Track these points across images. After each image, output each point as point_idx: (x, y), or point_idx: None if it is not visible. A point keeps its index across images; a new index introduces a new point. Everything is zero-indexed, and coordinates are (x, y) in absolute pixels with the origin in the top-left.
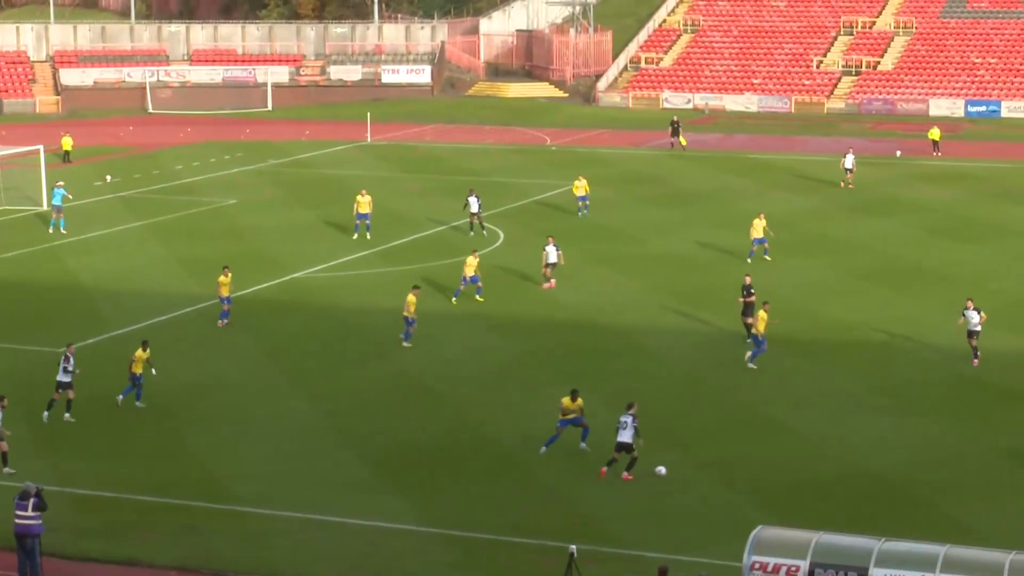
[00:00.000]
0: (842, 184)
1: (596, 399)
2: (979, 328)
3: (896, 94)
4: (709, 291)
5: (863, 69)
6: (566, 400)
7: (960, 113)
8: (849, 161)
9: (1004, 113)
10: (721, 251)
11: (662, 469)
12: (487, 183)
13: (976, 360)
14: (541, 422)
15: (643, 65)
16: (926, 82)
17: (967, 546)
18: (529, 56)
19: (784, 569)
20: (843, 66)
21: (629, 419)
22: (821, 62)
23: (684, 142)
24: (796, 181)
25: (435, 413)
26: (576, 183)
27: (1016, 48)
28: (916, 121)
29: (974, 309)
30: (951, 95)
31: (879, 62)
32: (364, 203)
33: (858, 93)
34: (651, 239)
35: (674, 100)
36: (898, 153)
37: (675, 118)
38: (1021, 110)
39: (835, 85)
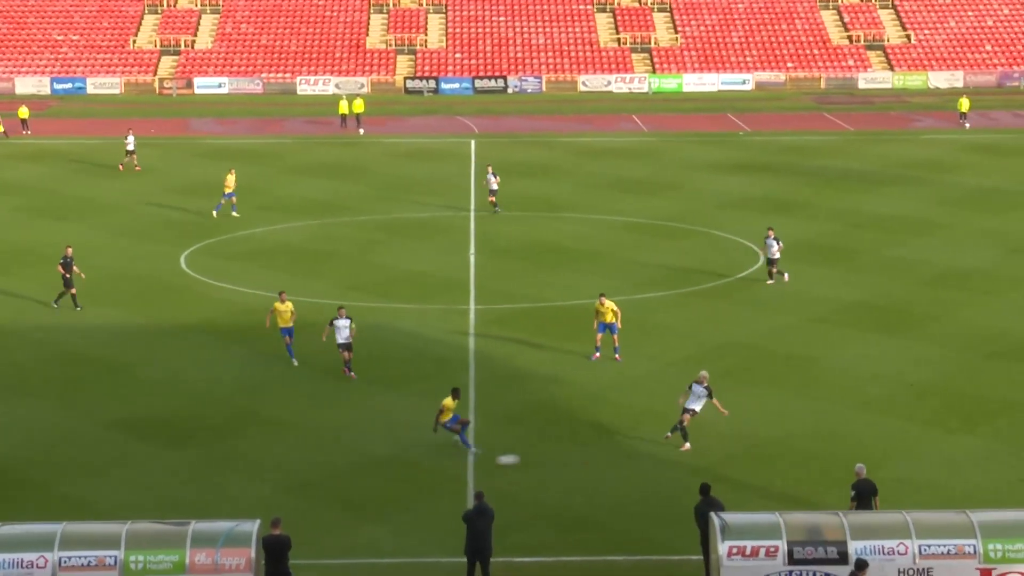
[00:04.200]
0: (123, 167)
1: None
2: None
3: None
4: None
5: None
6: None
7: (47, 90)
8: (130, 143)
9: (90, 89)
10: None
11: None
12: None
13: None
14: None
15: None
16: (10, 60)
17: (85, 521)
18: None
19: None
20: None
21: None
22: None
23: None
24: None
25: None
26: None
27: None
28: (3, 100)
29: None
30: (37, 72)
31: None
32: None
33: None
34: None
35: None
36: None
37: None
38: (106, 86)
39: None
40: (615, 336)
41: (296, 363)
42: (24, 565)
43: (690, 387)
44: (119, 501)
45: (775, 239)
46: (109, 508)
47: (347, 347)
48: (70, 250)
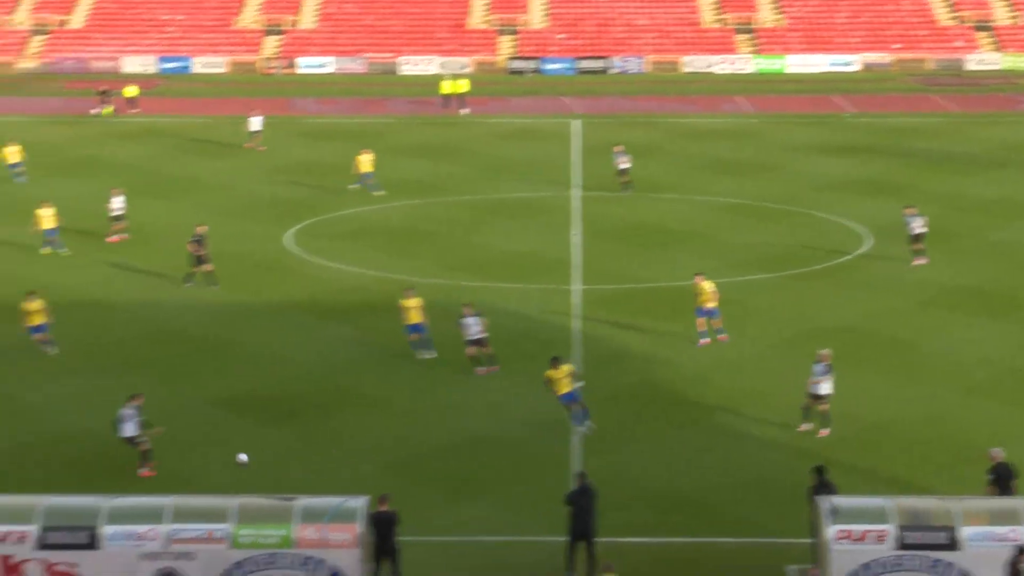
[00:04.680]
0: (250, 146)
1: None
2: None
3: (88, 52)
4: None
5: (53, 27)
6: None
7: (153, 69)
8: (255, 123)
9: (195, 69)
10: None
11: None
12: None
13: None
14: None
15: None
16: (118, 39)
17: (193, 495)
18: None
19: (13, 536)
20: (33, 25)
21: (130, 411)
22: (9, 21)
23: (107, 111)
24: None
25: None
26: (6, 149)
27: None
28: (111, 78)
29: (915, 215)
30: (143, 52)
31: (69, 20)
32: None
33: (50, 52)
34: None
35: None
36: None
37: (103, 87)
38: (211, 65)
39: (25, 44)
40: (715, 320)
41: (426, 356)
42: (136, 537)
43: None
44: (223, 477)
45: (916, 215)
46: (213, 483)
47: (478, 343)
48: (202, 228)
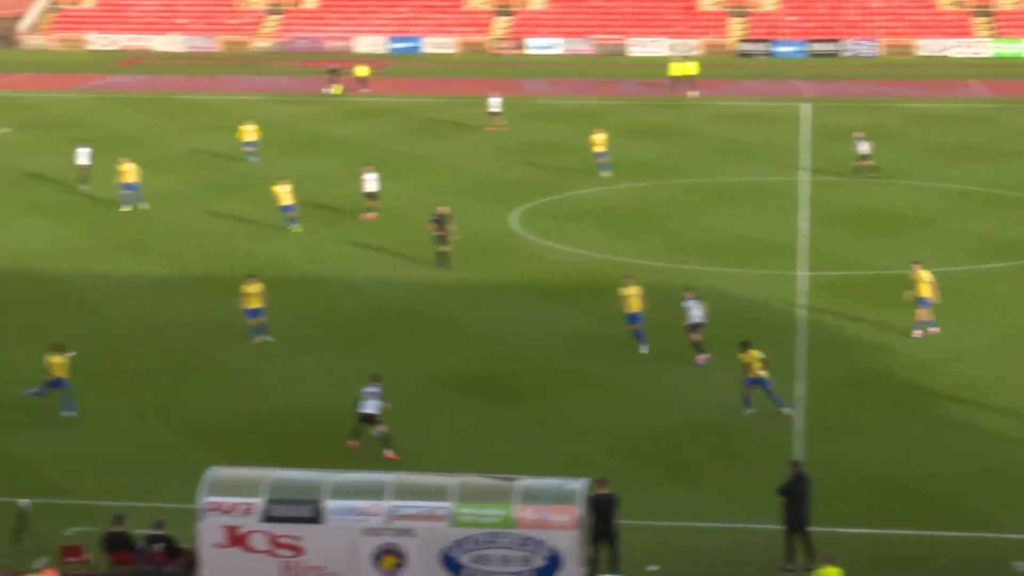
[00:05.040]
0: (492, 129)
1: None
2: None
3: (321, 32)
4: (143, 236)
5: (287, 7)
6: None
7: (384, 50)
8: (494, 104)
9: (425, 49)
10: (157, 193)
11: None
12: None
13: None
14: None
15: (65, 6)
16: (350, 19)
17: (415, 472)
18: None
19: (240, 508)
20: (268, 4)
21: (375, 389)
22: (245, 1)
23: (337, 91)
24: (226, 120)
25: None
26: (243, 128)
27: None
28: (342, 58)
29: None
30: (374, 32)
31: (302, 0)
32: None
33: (284, 31)
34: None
35: (99, 42)
36: (325, 90)
37: (333, 66)
38: (440, 46)
39: (260, 23)
40: (924, 310)
41: (645, 350)
42: (359, 512)
43: None
44: (444, 455)
45: None
46: (435, 461)
47: (696, 327)
48: (442, 208)
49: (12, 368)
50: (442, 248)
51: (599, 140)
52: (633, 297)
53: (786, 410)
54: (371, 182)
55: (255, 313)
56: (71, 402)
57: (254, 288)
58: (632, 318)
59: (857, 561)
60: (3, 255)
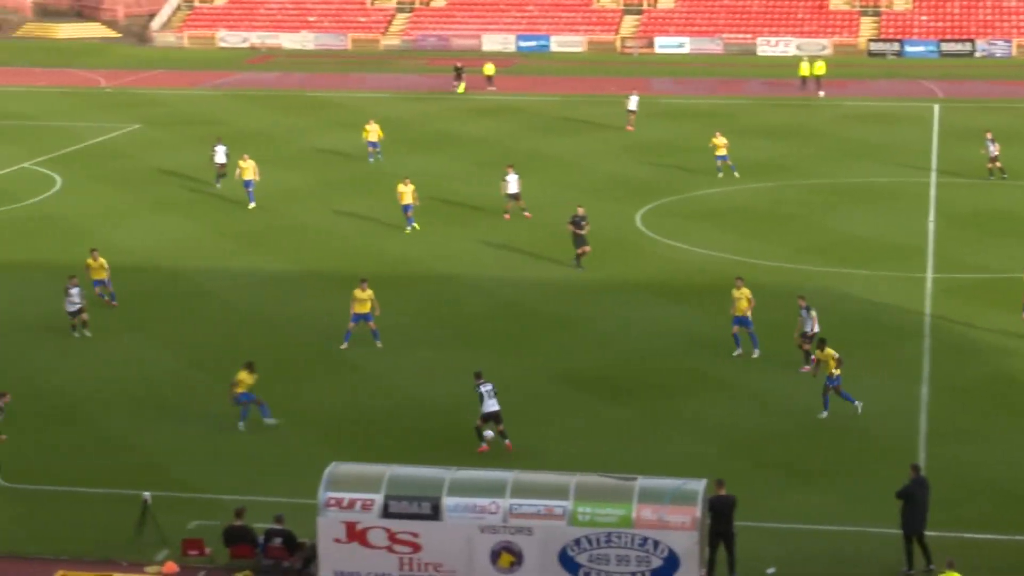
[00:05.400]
0: (632, 127)
1: (163, 347)
2: None
3: (450, 30)
4: (266, 232)
5: (417, 6)
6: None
7: (512, 48)
8: (633, 103)
9: (553, 48)
10: (284, 190)
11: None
12: (39, 128)
13: None
14: (106, 371)
15: (197, 4)
16: (478, 18)
17: (532, 471)
18: None
19: (359, 503)
20: (398, 3)
21: (491, 386)
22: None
23: (461, 89)
24: (354, 117)
25: None
26: (367, 127)
27: None
28: (470, 56)
29: None
30: (503, 30)
31: None
32: None
33: (413, 29)
34: (211, 180)
35: (230, 39)
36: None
37: (458, 64)
38: (569, 44)
39: (390, 22)
40: None
41: (742, 351)
42: (477, 509)
43: None
44: (563, 452)
45: None
46: (553, 459)
47: (809, 337)
48: (581, 209)
49: (136, 362)
50: (582, 249)
51: (720, 143)
52: (741, 300)
53: (858, 404)
54: (513, 183)
55: (359, 318)
56: (266, 409)
57: (366, 294)
58: (738, 320)
59: (977, 567)
60: (132, 250)
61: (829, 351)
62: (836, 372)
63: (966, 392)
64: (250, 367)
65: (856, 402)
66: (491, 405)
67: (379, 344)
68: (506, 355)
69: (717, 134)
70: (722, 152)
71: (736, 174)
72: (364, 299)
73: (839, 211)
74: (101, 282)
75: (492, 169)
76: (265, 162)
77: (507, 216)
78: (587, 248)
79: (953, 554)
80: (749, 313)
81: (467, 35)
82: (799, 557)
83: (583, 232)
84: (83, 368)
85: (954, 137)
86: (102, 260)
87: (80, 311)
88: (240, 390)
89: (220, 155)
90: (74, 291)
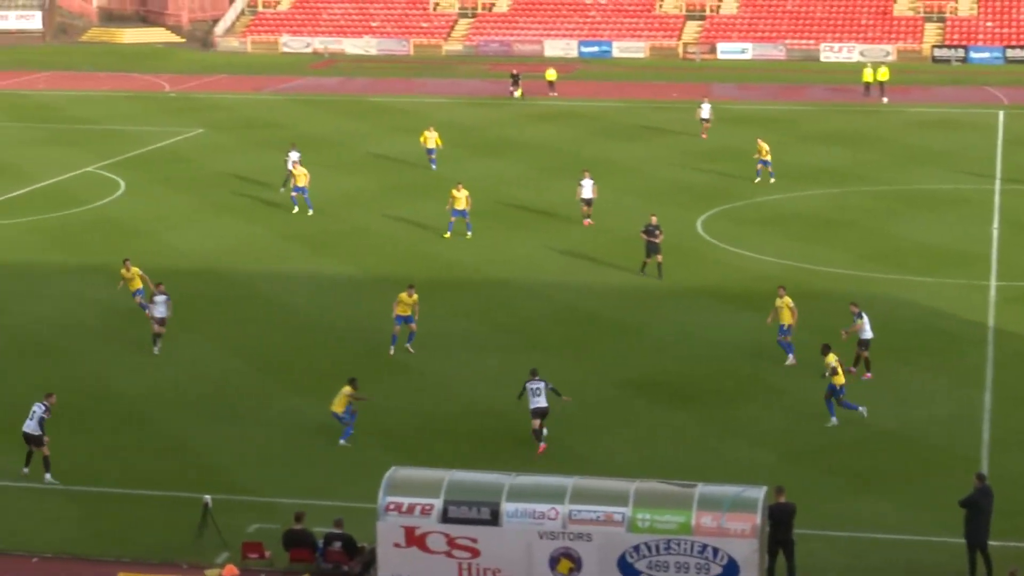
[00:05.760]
0: (705, 135)
1: (221, 350)
2: None
3: (512, 35)
4: (329, 235)
5: (479, 11)
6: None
7: (574, 53)
8: (706, 111)
9: (615, 53)
10: (344, 195)
11: None
12: (103, 132)
13: None
14: (166, 373)
15: (260, 9)
16: (541, 23)
17: (592, 476)
18: (144, 0)
19: (419, 508)
20: (460, 8)
21: (541, 384)
22: (438, 4)
23: (519, 94)
24: (415, 122)
25: (52, 368)
26: (425, 134)
27: None
28: (532, 62)
29: None
30: (565, 36)
31: (495, 3)
32: None
33: (475, 35)
34: (273, 184)
35: (293, 44)
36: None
37: (515, 71)
38: (631, 50)
39: (452, 27)
40: None
41: (791, 361)
42: (536, 515)
43: None
44: (621, 459)
45: None
46: (613, 465)
47: (866, 344)
48: (655, 218)
49: (197, 364)
50: (653, 258)
51: (763, 148)
52: (785, 309)
53: (862, 409)
54: (587, 188)
55: (404, 320)
56: (350, 431)
57: (412, 299)
58: (784, 330)
59: None
60: (193, 253)
61: (831, 356)
62: (842, 381)
63: None
64: (353, 383)
65: (860, 408)
66: (537, 402)
67: (411, 348)
68: (566, 361)
69: (759, 140)
70: (765, 157)
71: (772, 180)
72: (408, 303)
73: (902, 218)
74: (139, 291)
75: (552, 175)
76: (326, 167)
77: (587, 222)
78: (660, 257)
79: (1016, 563)
80: (792, 322)
81: (529, 40)
82: (859, 566)
83: (657, 240)
84: (143, 371)
85: (1019, 144)
86: (136, 269)
87: (164, 321)
88: (337, 409)
89: (293, 160)
90: (159, 299)
